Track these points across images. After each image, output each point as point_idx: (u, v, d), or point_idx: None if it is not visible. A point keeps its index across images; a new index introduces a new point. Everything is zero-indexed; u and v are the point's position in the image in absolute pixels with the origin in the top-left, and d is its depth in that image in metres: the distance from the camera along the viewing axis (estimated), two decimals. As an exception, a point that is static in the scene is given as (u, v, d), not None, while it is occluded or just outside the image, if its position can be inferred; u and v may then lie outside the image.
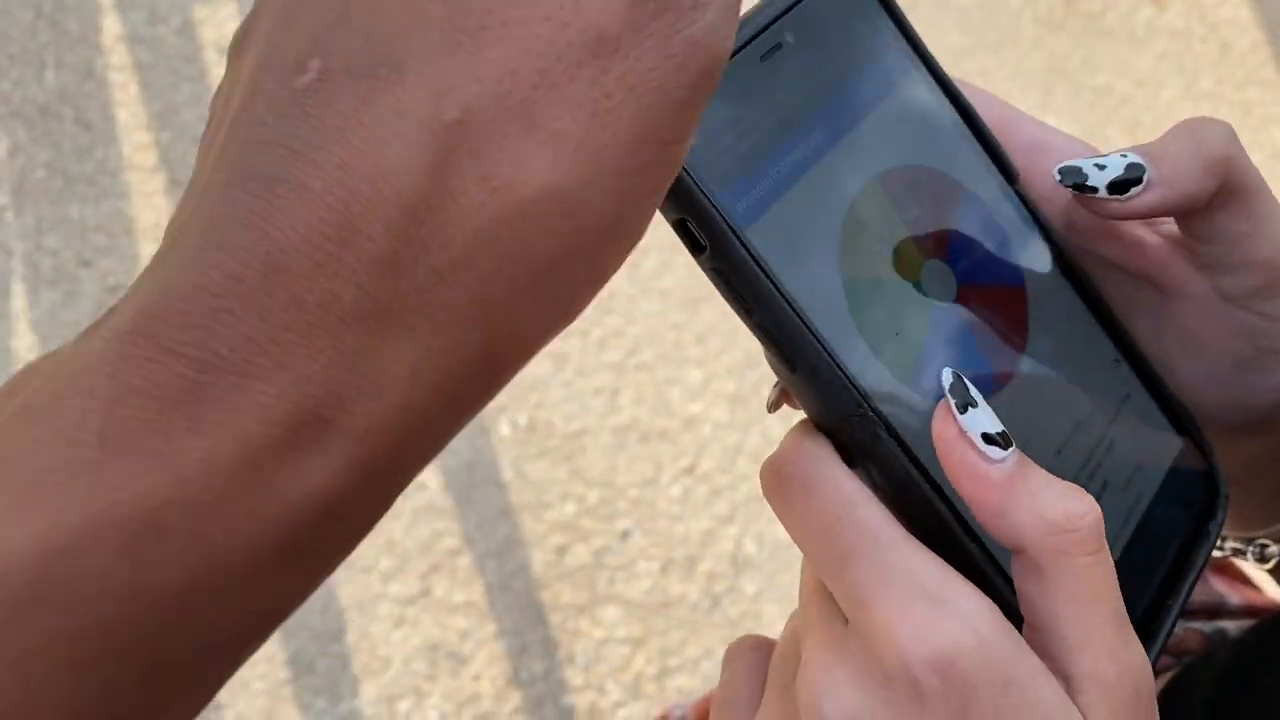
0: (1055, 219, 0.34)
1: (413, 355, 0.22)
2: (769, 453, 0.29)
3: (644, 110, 0.22)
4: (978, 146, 0.32)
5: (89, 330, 0.22)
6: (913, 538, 0.26)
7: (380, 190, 0.21)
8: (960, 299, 0.30)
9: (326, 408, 0.21)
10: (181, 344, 0.20)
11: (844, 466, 0.27)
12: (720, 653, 1.33)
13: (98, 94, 1.67)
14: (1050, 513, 0.26)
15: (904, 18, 0.32)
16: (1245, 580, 0.49)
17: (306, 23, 0.22)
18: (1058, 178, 0.32)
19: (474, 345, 0.22)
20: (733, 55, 0.27)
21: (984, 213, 0.32)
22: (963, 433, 0.26)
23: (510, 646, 1.33)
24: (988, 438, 0.26)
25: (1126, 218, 0.32)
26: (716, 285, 0.27)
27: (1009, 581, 0.27)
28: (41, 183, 1.59)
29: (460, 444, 1.44)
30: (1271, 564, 0.37)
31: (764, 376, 1.51)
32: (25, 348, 1.47)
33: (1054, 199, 0.34)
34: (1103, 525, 0.26)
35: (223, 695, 1.28)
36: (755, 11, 0.28)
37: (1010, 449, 0.26)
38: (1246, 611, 0.46)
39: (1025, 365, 0.31)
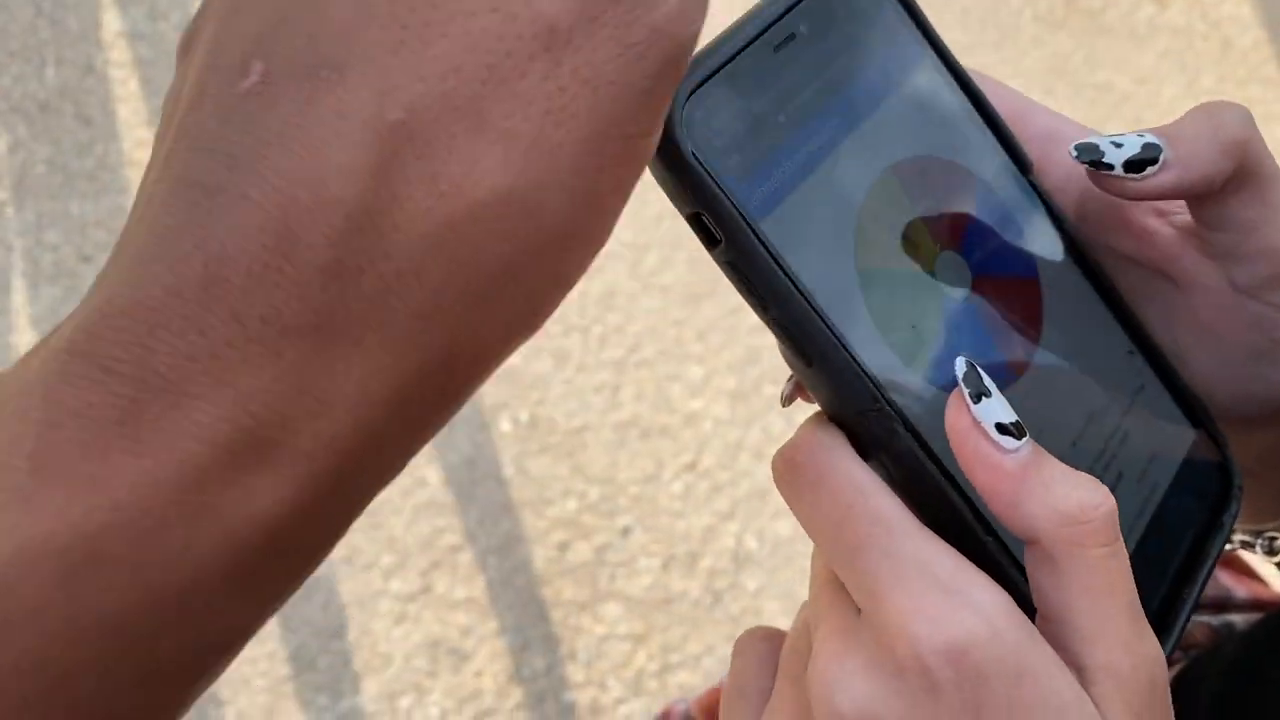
0: (1068, 210, 0.34)
1: (361, 370, 0.21)
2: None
3: (602, 104, 0.21)
4: (991, 137, 0.32)
5: (34, 349, 0.21)
6: (926, 528, 0.26)
7: (321, 196, 0.20)
8: (975, 290, 0.30)
9: (271, 426, 0.20)
10: (118, 362, 0.20)
11: (857, 457, 0.27)
12: (722, 649, 1.33)
13: (98, 90, 1.67)
14: (1064, 504, 0.25)
15: (917, 8, 0.31)
16: (1251, 574, 0.49)
17: (250, 23, 0.21)
18: (1074, 154, 0.32)
19: (428, 358, 0.21)
20: (747, 46, 0.27)
21: (998, 204, 0.32)
22: (976, 422, 0.26)
23: (512, 643, 1.33)
24: (1001, 428, 0.26)
25: (1141, 197, 0.32)
26: (731, 279, 0.27)
27: (1024, 573, 0.27)
28: (42, 178, 1.59)
29: (461, 440, 1.44)
30: (1281, 556, 0.37)
31: (764, 373, 1.51)
32: (25, 343, 1.47)
33: (1067, 190, 0.34)
34: (1117, 516, 0.26)
35: (224, 692, 1.28)
36: (769, 2, 0.28)
37: (1024, 439, 0.26)
38: (1253, 605, 0.46)
39: (1040, 356, 0.31)
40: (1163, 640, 0.29)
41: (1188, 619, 0.31)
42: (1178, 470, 0.33)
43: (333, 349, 0.20)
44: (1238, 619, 0.45)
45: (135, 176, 1.60)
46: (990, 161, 0.32)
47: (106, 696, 0.20)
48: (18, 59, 1.68)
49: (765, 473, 1.43)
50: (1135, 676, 0.25)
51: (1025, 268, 0.32)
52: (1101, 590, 0.25)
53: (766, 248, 0.26)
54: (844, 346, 0.27)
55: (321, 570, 1.24)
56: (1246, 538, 0.37)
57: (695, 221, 0.27)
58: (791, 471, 0.28)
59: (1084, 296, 0.33)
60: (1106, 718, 0.25)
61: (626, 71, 0.21)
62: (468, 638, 1.32)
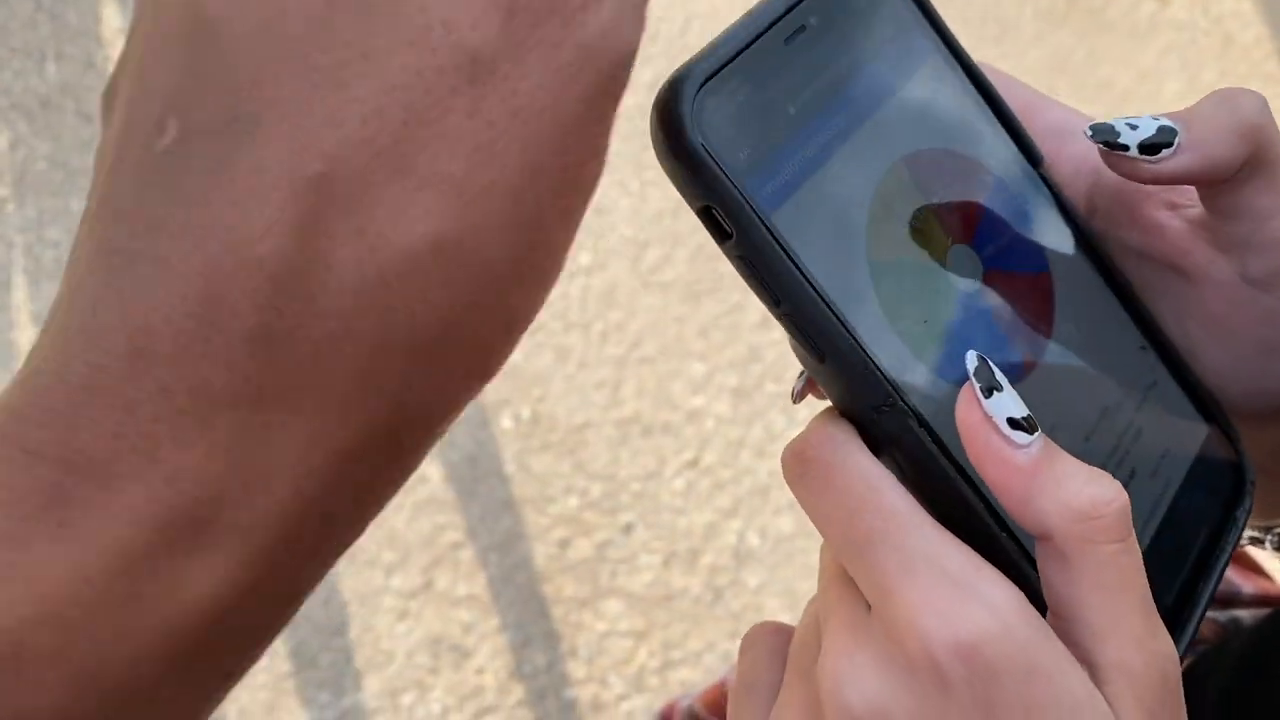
0: (1078, 204, 0.34)
1: (300, 438, 0.20)
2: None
3: (536, 134, 0.20)
4: (1002, 131, 0.32)
5: None
6: (937, 523, 0.26)
7: (244, 259, 0.19)
8: (986, 284, 0.30)
9: (206, 504, 0.19)
10: (43, 443, 0.19)
11: (868, 452, 0.27)
12: (723, 646, 1.33)
13: (98, 86, 1.67)
14: (1076, 499, 0.25)
15: (926, 1, 0.31)
16: (1258, 570, 0.49)
17: (162, 78, 0.20)
18: (1089, 133, 0.32)
19: (372, 419, 0.20)
20: (757, 39, 0.27)
21: (1009, 197, 0.32)
22: (987, 417, 0.26)
23: (513, 640, 1.32)
24: (1013, 422, 0.26)
25: (1155, 181, 0.31)
26: (742, 274, 0.27)
27: (1036, 570, 0.27)
28: (42, 175, 1.59)
29: (463, 437, 1.43)
30: (1291, 552, 0.36)
31: (766, 370, 1.51)
32: (26, 340, 1.47)
33: (1077, 184, 0.34)
34: (1130, 512, 0.25)
35: (225, 688, 1.28)
36: None
37: (1036, 434, 0.26)
38: (1260, 601, 0.46)
39: (1051, 351, 0.31)
40: (1176, 637, 0.29)
41: (1202, 616, 0.30)
42: (1190, 466, 0.33)
43: (268, 418, 0.19)
44: (1244, 615, 0.44)
45: (136, 173, 1.60)
46: (1001, 155, 0.32)
47: None
48: (18, 55, 1.68)
49: (767, 470, 1.43)
50: (1148, 674, 0.25)
51: (1037, 262, 0.32)
52: (1114, 587, 0.25)
53: (778, 241, 0.26)
54: (857, 342, 0.27)
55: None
56: (1256, 534, 0.37)
57: (706, 215, 0.27)
58: (802, 466, 0.28)
59: (1095, 291, 0.33)
60: (1119, 715, 0.25)
61: (559, 96, 0.20)
62: (469, 634, 1.32)
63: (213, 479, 0.19)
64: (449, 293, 0.20)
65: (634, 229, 1.61)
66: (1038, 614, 0.25)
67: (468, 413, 1.46)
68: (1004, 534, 0.27)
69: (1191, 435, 0.33)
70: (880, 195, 0.29)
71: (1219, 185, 0.31)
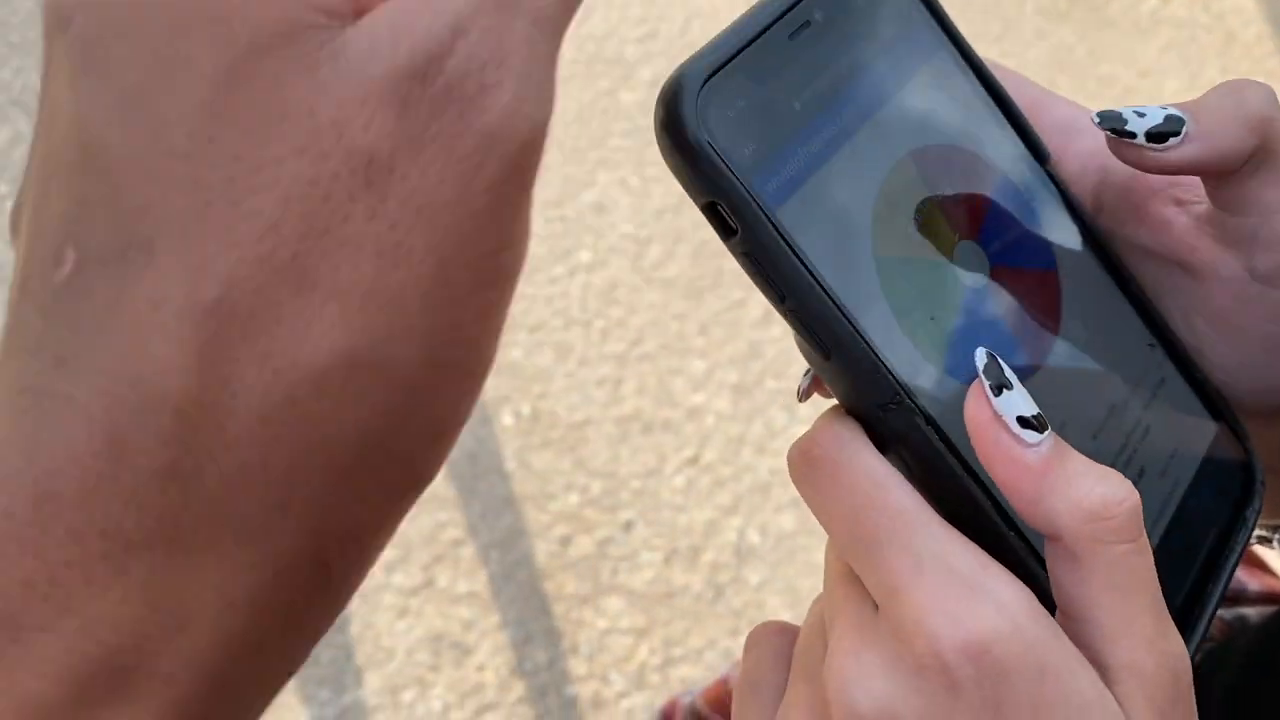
0: (1085, 201, 0.34)
1: (219, 575, 0.19)
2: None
3: (443, 231, 0.19)
4: (1009, 127, 0.32)
5: None
6: (945, 523, 0.26)
7: (146, 394, 0.18)
8: (993, 281, 0.30)
9: (123, 652, 0.18)
10: None
11: (875, 450, 0.27)
12: (724, 643, 1.33)
13: (99, 83, 1.66)
14: (1087, 499, 0.25)
15: None
16: (1264, 567, 0.49)
17: (59, 204, 0.19)
18: (1096, 120, 0.31)
19: (294, 548, 0.19)
20: (762, 33, 0.27)
21: (1016, 194, 0.31)
22: (997, 415, 0.26)
23: (514, 637, 1.32)
24: (1023, 421, 0.26)
25: (1161, 170, 0.31)
26: (747, 270, 0.27)
27: (1045, 570, 0.27)
28: (43, 172, 1.58)
29: (464, 434, 1.42)
30: (1299, 551, 0.36)
31: (767, 367, 1.51)
32: (27, 337, 1.47)
33: (1084, 180, 0.34)
34: (1141, 512, 0.25)
35: (226, 685, 1.28)
36: None
37: (1046, 432, 0.26)
38: (1266, 598, 0.46)
39: (1059, 349, 0.31)
40: (1186, 638, 0.29)
41: (1212, 616, 0.30)
42: (1200, 465, 0.33)
43: (183, 557, 0.19)
44: (1251, 612, 0.44)
45: (136, 170, 1.60)
46: (1008, 151, 0.32)
47: None
48: (18, 51, 1.68)
49: (768, 467, 1.43)
50: (1159, 675, 0.25)
51: (1044, 259, 0.32)
52: (1125, 587, 0.25)
53: (783, 237, 0.26)
54: (863, 338, 0.27)
55: (324, 564, 1.24)
56: (1263, 533, 0.37)
57: (710, 211, 0.26)
58: (808, 465, 0.28)
59: (1103, 288, 0.33)
60: (1129, 716, 0.24)
61: (464, 188, 0.19)
62: (470, 632, 1.32)
63: (130, 625, 0.18)
64: (364, 407, 0.19)
65: (635, 226, 1.60)
66: (1047, 614, 0.25)
67: (468, 410, 1.46)
68: (1012, 533, 0.27)
69: (1200, 434, 0.33)
70: (886, 191, 0.28)
71: (1225, 178, 0.31)
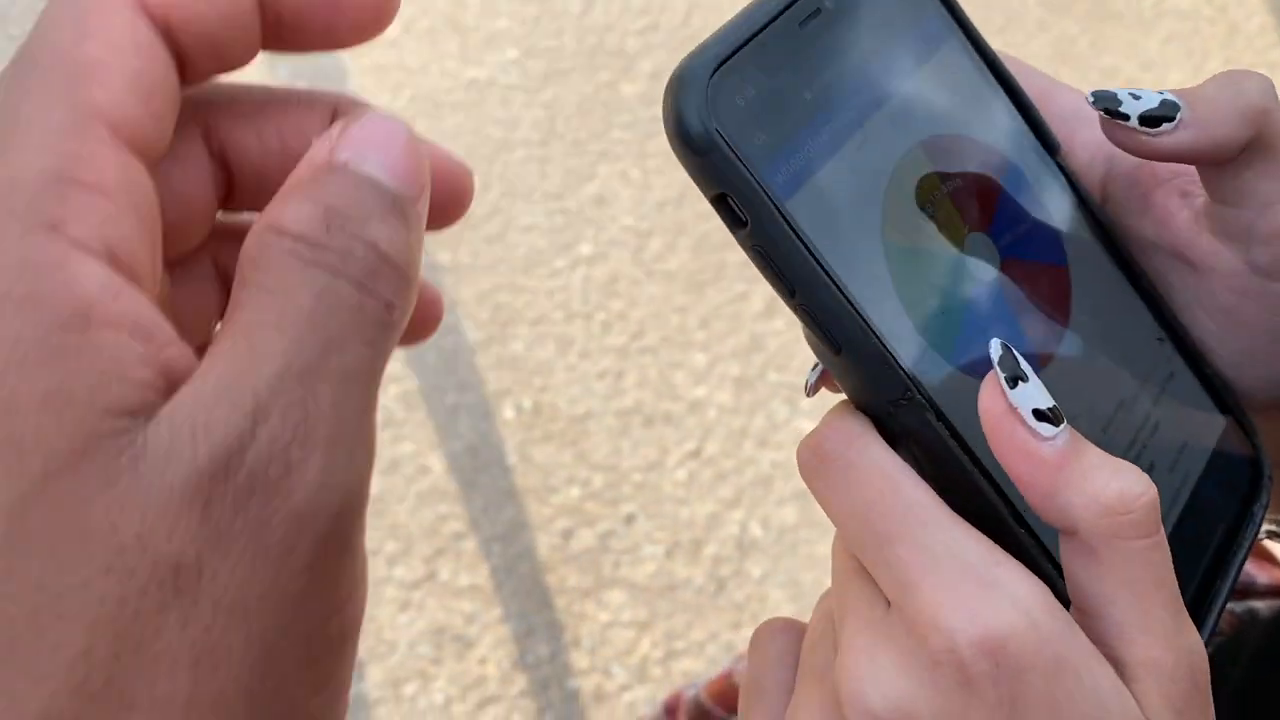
0: (1092, 191, 0.33)
1: None
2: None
3: (261, 622, 0.18)
4: (1019, 118, 0.32)
5: None
6: (959, 517, 0.26)
7: None
8: (1003, 273, 0.29)
9: None
10: None
11: (887, 446, 0.27)
12: (726, 636, 1.33)
13: (98, 75, 1.66)
14: (1105, 494, 0.24)
15: None
16: (1273, 560, 0.48)
17: None
18: (1090, 100, 0.31)
19: None
20: (772, 21, 0.27)
21: (1026, 185, 0.31)
22: (1012, 408, 0.25)
23: (516, 630, 1.32)
24: (1038, 413, 0.25)
25: (1152, 155, 0.31)
26: (757, 264, 0.26)
27: (1056, 567, 0.27)
28: (43, 165, 1.58)
29: (465, 428, 1.43)
30: (1305, 546, 0.36)
31: (768, 360, 1.50)
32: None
33: (1092, 171, 0.33)
34: (1159, 506, 0.25)
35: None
36: None
37: (1061, 425, 0.25)
38: (1275, 591, 0.46)
39: (1068, 342, 0.30)
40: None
41: (1220, 613, 0.30)
42: (1208, 460, 0.32)
43: None
44: (1260, 605, 0.44)
45: (136, 162, 1.59)
46: (1018, 142, 0.31)
47: None
48: (18, 44, 1.67)
49: (769, 460, 1.43)
50: (1177, 671, 0.24)
51: (1054, 251, 0.31)
52: (1142, 583, 0.24)
53: (794, 231, 0.26)
54: (875, 334, 0.26)
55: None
56: (1272, 527, 0.37)
57: (720, 204, 0.26)
58: (819, 460, 0.27)
59: (1112, 281, 0.32)
60: (1147, 713, 0.24)
61: (278, 574, 0.18)
62: (472, 625, 1.32)
63: None
64: None
65: (636, 218, 1.60)
66: (1063, 609, 0.25)
67: (469, 403, 1.46)
68: (1022, 530, 0.27)
69: (1209, 428, 0.33)
70: (896, 182, 0.28)
71: (1220, 168, 0.31)
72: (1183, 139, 0.30)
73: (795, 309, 0.27)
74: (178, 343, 0.19)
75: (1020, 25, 1.84)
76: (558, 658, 1.31)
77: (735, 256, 1.55)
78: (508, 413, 1.45)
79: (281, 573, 0.18)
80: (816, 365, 0.30)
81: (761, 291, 1.53)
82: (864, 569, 0.27)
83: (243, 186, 0.23)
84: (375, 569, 1.34)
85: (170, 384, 0.19)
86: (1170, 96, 0.30)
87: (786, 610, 1.34)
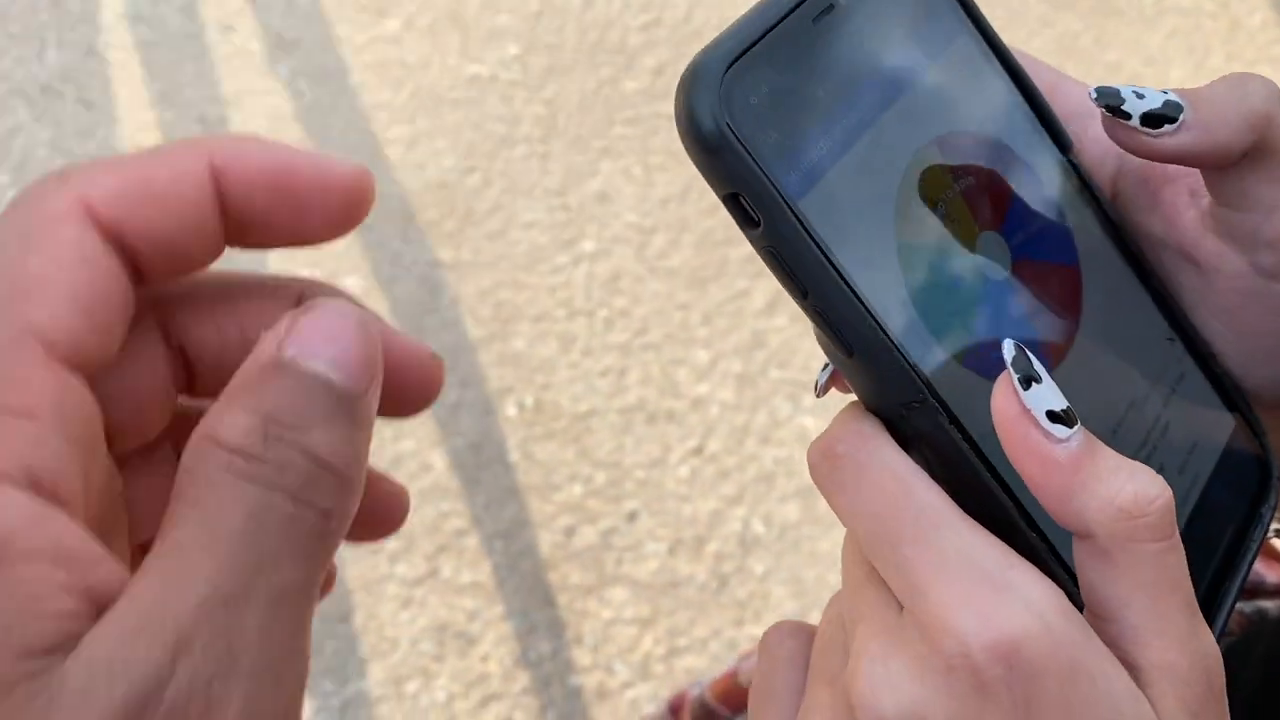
0: (1103, 188, 0.33)
1: None
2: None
3: None
4: (1032, 114, 0.31)
5: None
6: (972, 521, 0.26)
7: None
8: (1014, 273, 0.29)
9: None
10: None
11: (899, 448, 0.26)
12: (728, 633, 1.33)
13: (99, 72, 1.66)
14: (1120, 497, 0.24)
15: None
16: (1280, 559, 0.48)
17: None
18: (1093, 95, 0.31)
19: None
20: (785, 17, 0.26)
21: (1038, 183, 0.31)
22: (1026, 410, 0.25)
23: (518, 627, 1.32)
24: (1052, 415, 0.25)
25: (1152, 156, 0.30)
26: (769, 264, 0.26)
27: (1068, 571, 0.26)
28: (43, 162, 1.58)
29: (467, 425, 1.43)
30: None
31: (771, 356, 1.50)
32: (29, 328, 1.46)
33: (1103, 167, 0.33)
34: (1174, 509, 0.25)
35: (230, 676, 1.28)
36: None
37: (1076, 427, 0.25)
38: (1283, 592, 0.46)
39: (1079, 343, 0.30)
40: None
41: (1228, 615, 0.30)
42: (1217, 461, 0.32)
43: None
44: (1269, 605, 0.44)
45: (137, 159, 1.59)
46: (1030, 139, 0.31)
47: None
48: (18, 41, 1.67)
49: (772, 456, 1.43)
50: (1192, 675, 0.24)
51: (1065, 250, 0.31)
52: (1158, 586, 0.24)
53: (808, 232, 0.25)
54: (888, 338, 0.26)
55: (327, 555, 1.24)
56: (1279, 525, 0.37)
57: (732, 203, 0.26)
58: (830, 463, 0.27)
59: (1123, 281, 0.32)
60: (1162, 717, 0.24)
61: None
62: (474, 622, 1.32)
63: None
64: None
65: (639, 215, 1.60)
66: (1077, 612, 0.24)
67: (471, 400, 1.45)
68: (1033, 533, 0.27)
69: (1218, 429, 0.33)
70: (909, 181, 0.28)
71: (1223, 171, 0.31)
72: (1184, 141, 0.30)
73: (807, 310, 0.26)
74: (106, 560, 0.19)
75: (1023, 21, 1.84)
76: (560, 655, 1.31)
77: (737, 253, 1.55)
78: (510, 410, 1.45)
79: None
80: (827, 365, 0.29)
81: (764, 288, 1.53)
82: (876, 572, 0.26)
83: (204, 376, 0.23)
84: (377, 566, 1.34)
85: (97, 607, 0.18)
86: (1174, 97, 0.30)
87: (789, 606, 1.34)
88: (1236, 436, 0.33)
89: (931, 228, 0.28)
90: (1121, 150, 0.32)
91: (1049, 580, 0.25)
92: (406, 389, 0.24)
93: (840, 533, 0.28)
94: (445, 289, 1.53)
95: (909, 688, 0.24)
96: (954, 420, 0.26)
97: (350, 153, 1.63)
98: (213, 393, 0.23)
